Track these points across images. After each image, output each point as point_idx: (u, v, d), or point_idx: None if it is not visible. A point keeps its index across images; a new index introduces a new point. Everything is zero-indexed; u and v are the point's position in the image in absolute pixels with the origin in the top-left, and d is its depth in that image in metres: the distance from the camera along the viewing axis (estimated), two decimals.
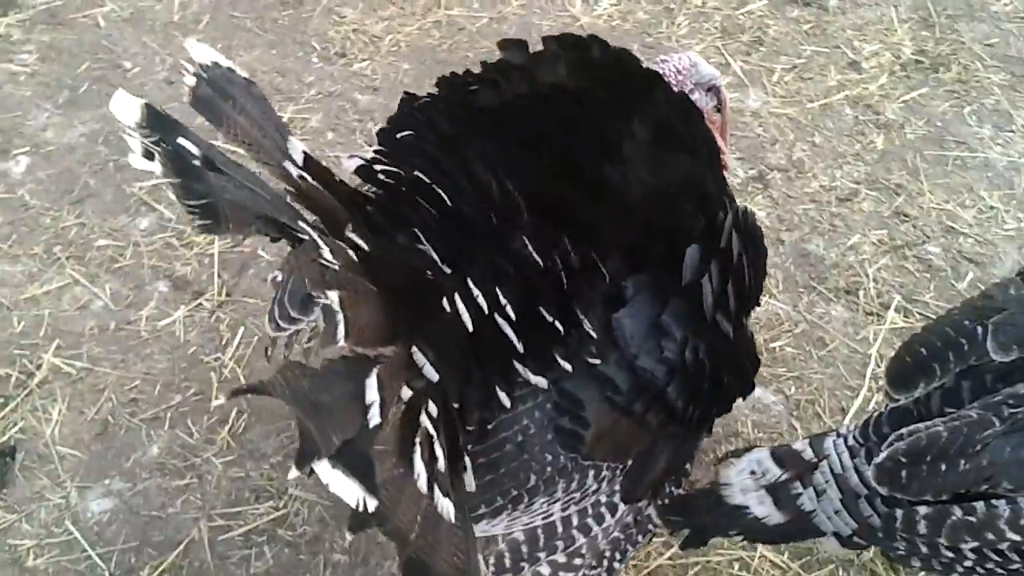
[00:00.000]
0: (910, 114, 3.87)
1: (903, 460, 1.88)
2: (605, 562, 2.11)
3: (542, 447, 1.86)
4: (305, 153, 1.83)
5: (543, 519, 2.01)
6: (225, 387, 2.92)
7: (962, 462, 1.83)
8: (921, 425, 1.92)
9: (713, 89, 2.48)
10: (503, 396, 1.79)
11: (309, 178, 1.77)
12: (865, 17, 4.25)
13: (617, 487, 2.04)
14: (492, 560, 2.07)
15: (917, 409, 2.02)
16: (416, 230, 1.83)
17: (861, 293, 3.25)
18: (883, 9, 4.29)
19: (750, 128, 3.78)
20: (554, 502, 1.96)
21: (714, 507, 2.12)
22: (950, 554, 1.90)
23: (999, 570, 1.90)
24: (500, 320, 1.76)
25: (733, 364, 1.98)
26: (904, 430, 1.93)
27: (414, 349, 1.64)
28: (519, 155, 1.90)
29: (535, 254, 1.81)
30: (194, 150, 1.68)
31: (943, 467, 1.84)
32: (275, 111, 1.96)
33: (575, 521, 2.04)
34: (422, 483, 1.57)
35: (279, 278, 1.74)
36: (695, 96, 2.42)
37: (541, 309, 1.80)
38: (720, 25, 4.22)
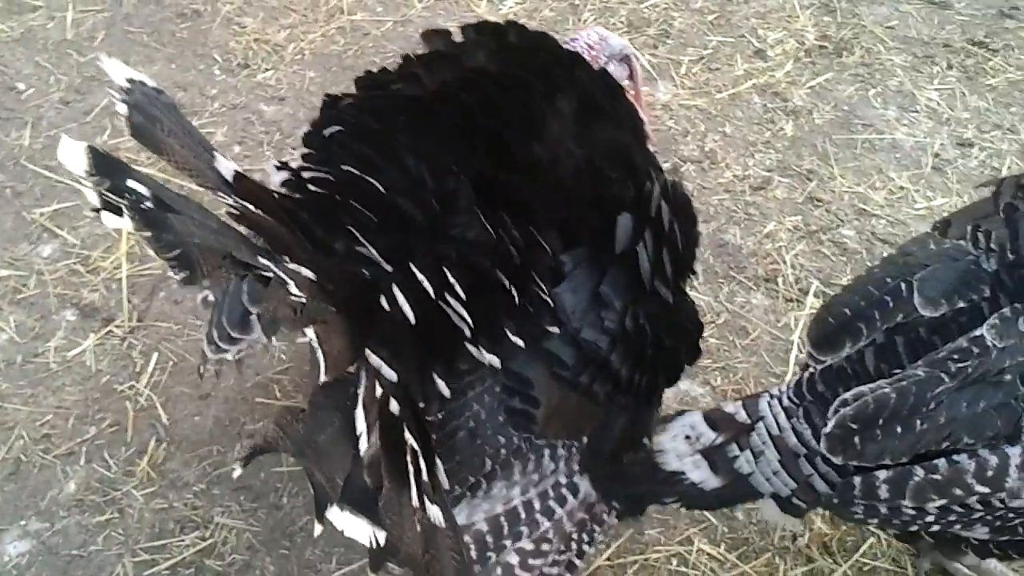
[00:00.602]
0: (817, 99, 3.91)
1: (853, 426, 1.85)
2: (574, 545, 2.07)
3: (495, 431, 1.88)
4: (236, 172, 1.83)
5: (504, 505, 1.97)
6: (141, 416, 2.83)
7: (918, 422, 1.82)
8: (864, 388, 1.89)
9: (625, 59, 2.56)
10: (444, 386, 1.80)
11: (245, 200, 1.74)
12: (768, 5, 4.28)
13: (576, 467, 2.03)
14: None
15: (852, 367, 1.99)
16: (355, 232, 1.83)
17: (780, 280, 3.27)
18: None
19: (661, 121, 3.78)
20: (513, 486, 1.96)
21: (650, 474, 2.06)
22: (912, 512, 1.89)
23: (961, 521, 1.90)
24: (451, 302, 1.78)
25: (676, 329, 2.02)
26: (847, 395, 1.90)
27: (368, 352, 1.65)
28: (448, 142, 1.92)
29: (477, 236, 1.84)
30: (144, 191, 1.58)
31: (898, 429, 1.83)
32: (189, 123, 1.93)
33: (537, 505, 2.00)
34: (414, 497, 1.61)
35: (210, 297, 1.79)
36: (610, 68, 2.48)
37: (491, 286, 1.82)
38: (626, 19, 4.22)
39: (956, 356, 1.84)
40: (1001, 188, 2.09)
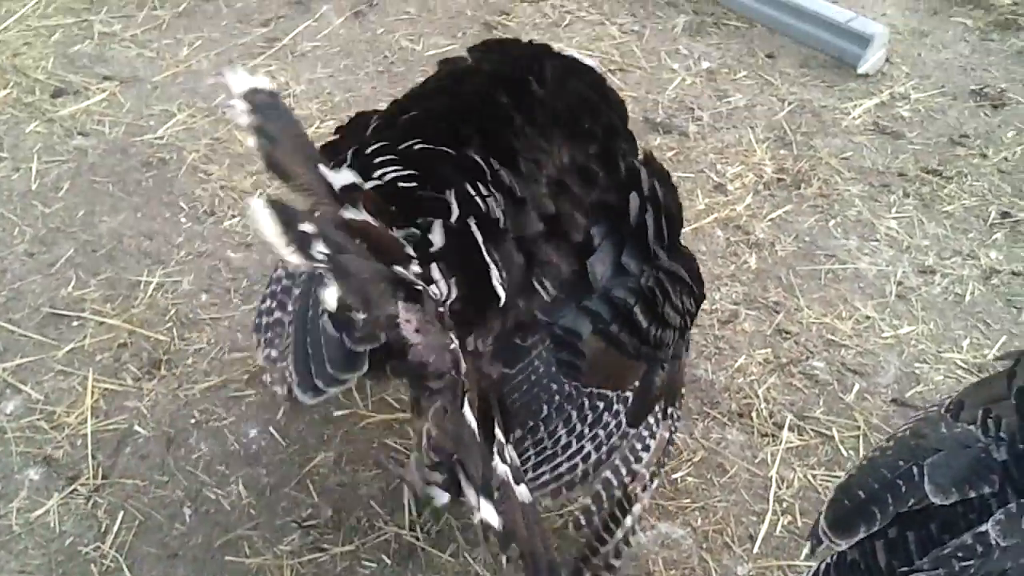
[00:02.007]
0: (778, 231, 3.96)
1: None
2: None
3: (549, 379, 2.22)
4: (348, 183, 1.93)
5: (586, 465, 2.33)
6: None
7: None
8: None
9: None
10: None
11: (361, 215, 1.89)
12: (725, 140, 4.37)
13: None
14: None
15: (864, 562, 1.98)
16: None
17: (754, 414, 3.26)
18: (741, 131, 4.43)
19: None
20: (575, 433, 2.29)
21: None
22: None
23: None
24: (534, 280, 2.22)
25: (681, 283, 2.40)
26: None
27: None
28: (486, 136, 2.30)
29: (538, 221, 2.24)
30: (314, 231, 1.64)
31: None
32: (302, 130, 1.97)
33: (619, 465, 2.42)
34: (508, 478, 1.91)
35: (273, 353, 2.27)
36: None
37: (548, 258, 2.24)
38: None
39: (960, 554, 1.84)
40: (1016, 368, 2.11)
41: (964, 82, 4.77)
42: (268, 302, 2.43)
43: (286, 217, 1.59)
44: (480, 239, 2.14)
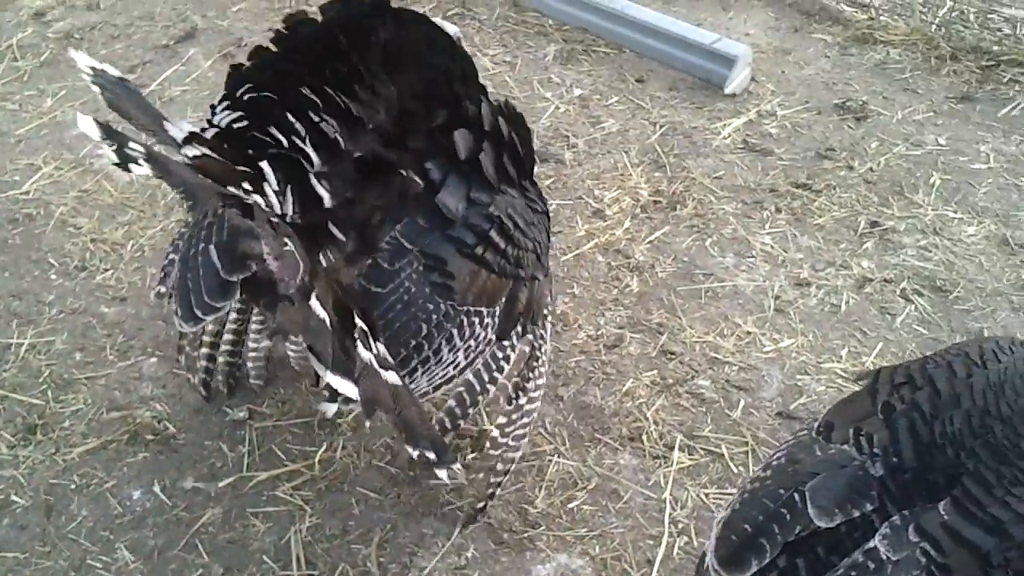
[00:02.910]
0: (658, 253, 4.02)
1: None
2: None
3: (424, 299, 2.49)
4: (189, 132, 2.29)
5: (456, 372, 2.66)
6: None
7: None
8: None
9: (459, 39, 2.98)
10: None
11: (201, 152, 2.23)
12: (601, 165, 4.42)
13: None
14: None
15: None
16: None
17: (644, 437, 3.29)
18: (616, 156, 4.49)
19: None
20: (454, 348, 2.58)
21: None
22: None
23: None
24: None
25: (529, 212, 2.69)
26: None
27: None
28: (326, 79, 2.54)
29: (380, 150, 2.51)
30: (143, 150, 1.98)
31: None
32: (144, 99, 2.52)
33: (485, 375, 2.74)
34: (372, 363, 2.18)
35: (162, 290, 2.67)
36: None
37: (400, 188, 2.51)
38: None
39: (854, 573, 1.87)
40: (877, 384, 2.17)
41: (827, 97, 4.92)
42: (169, 249, 2.85)
43: (111, 130, 1.98)
44: (307, 161, 2.43)
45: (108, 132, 1.98)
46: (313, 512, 3.04)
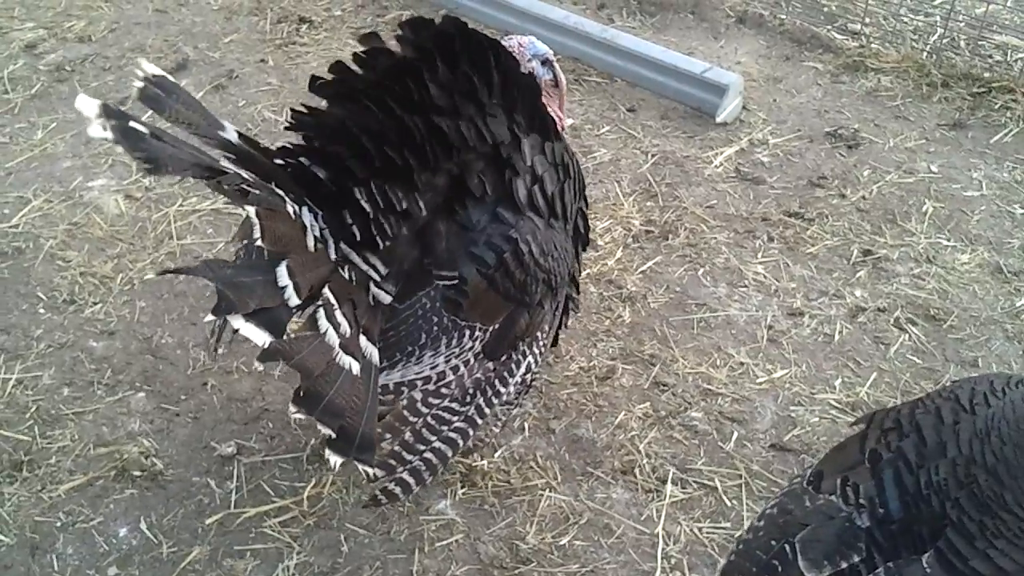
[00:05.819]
0: (650, 283, 4.00)
1: None
2: (469, 398, 2.87)
3: (432, 312, 2.66)
4: (238, 132, 2.45)
5: (430, 369, 2.77)
6: None
7: None
8: None
9: (547, 63, 3.07)
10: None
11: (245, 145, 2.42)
12: (593, 195, 4.40)
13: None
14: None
15: None
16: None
17: (637, 471, 3.26)
18: (608, 185, 4.48)
19: None
20: (438, 355, 2.74)
21: None
22: None
23: None
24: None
25: (553, 247, 2.80)
26: None
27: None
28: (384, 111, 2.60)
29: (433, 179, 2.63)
30: (144, 129, 2.15)
31: None
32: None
33: (447, 364, 2.79)
34: (331, 339, 2.35)
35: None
36: (534, 66, 3.03)
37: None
38: None
39: None
40: (868, 431, 2.17)
41: (819, 125, 4.92)
42: None
43: (111, 109, 2.12)
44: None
45: (108, 111, 2.10)
46: (301, 549, 3.01)
